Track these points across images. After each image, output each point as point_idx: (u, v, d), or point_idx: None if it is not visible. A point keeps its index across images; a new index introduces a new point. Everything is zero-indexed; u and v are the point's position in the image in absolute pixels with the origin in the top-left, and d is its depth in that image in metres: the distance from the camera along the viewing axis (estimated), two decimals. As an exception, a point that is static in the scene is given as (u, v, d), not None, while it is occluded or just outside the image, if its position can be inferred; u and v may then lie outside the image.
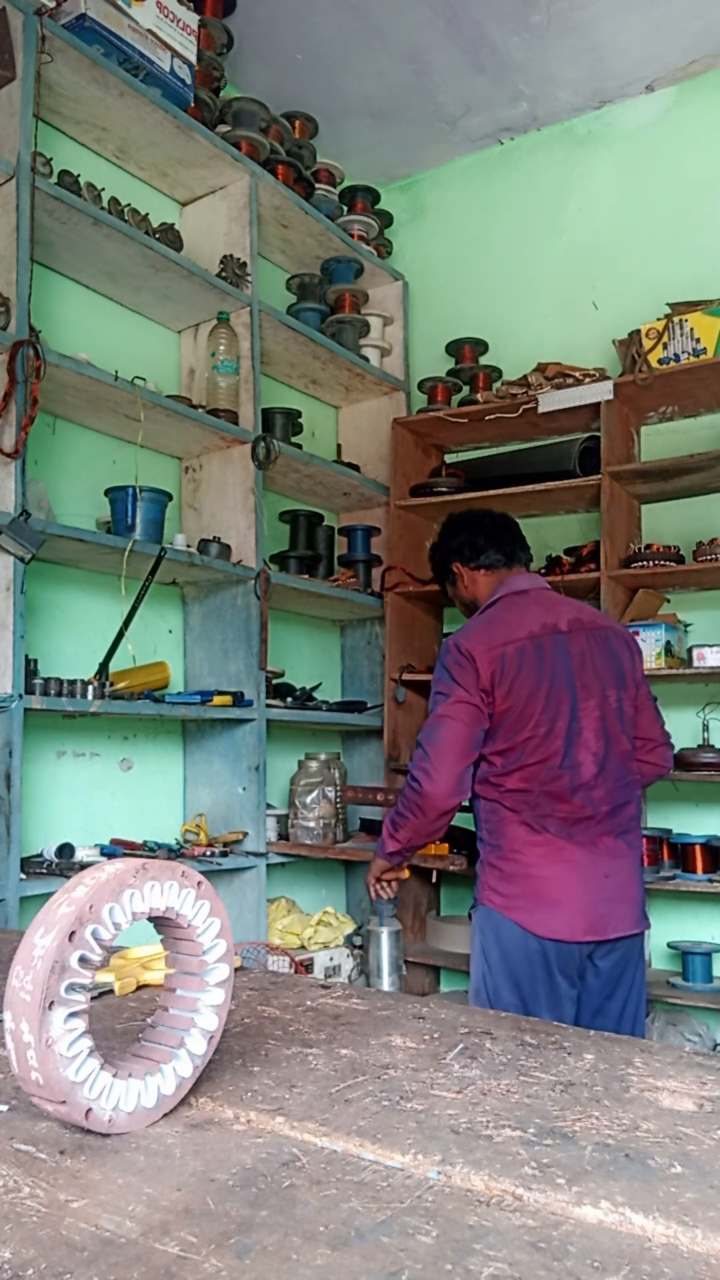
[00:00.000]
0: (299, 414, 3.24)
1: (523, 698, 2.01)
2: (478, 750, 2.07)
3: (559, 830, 2.01)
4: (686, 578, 2.90)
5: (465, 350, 3.57)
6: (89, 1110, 0.65)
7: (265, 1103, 0.72)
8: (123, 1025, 0.93)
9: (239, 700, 2.76)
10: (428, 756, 2.05)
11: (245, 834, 2.79)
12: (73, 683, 2.33)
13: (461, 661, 2.05)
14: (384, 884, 2.39)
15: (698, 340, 2.89)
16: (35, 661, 2.37)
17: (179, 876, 0.71)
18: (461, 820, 3.27)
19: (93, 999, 1.01)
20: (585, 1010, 2.04)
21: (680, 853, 2.83)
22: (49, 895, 0.94)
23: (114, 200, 2.62)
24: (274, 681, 3.05)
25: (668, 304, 3.00)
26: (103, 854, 2.48)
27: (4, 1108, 0.72)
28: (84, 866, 2.08)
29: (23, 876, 2.20)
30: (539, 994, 1.97)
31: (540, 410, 3.07)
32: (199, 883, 0.73)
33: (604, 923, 1.99)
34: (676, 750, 2.42)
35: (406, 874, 2.42)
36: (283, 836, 3.04)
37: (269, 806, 2.94)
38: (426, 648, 3.49)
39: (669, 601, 3.10)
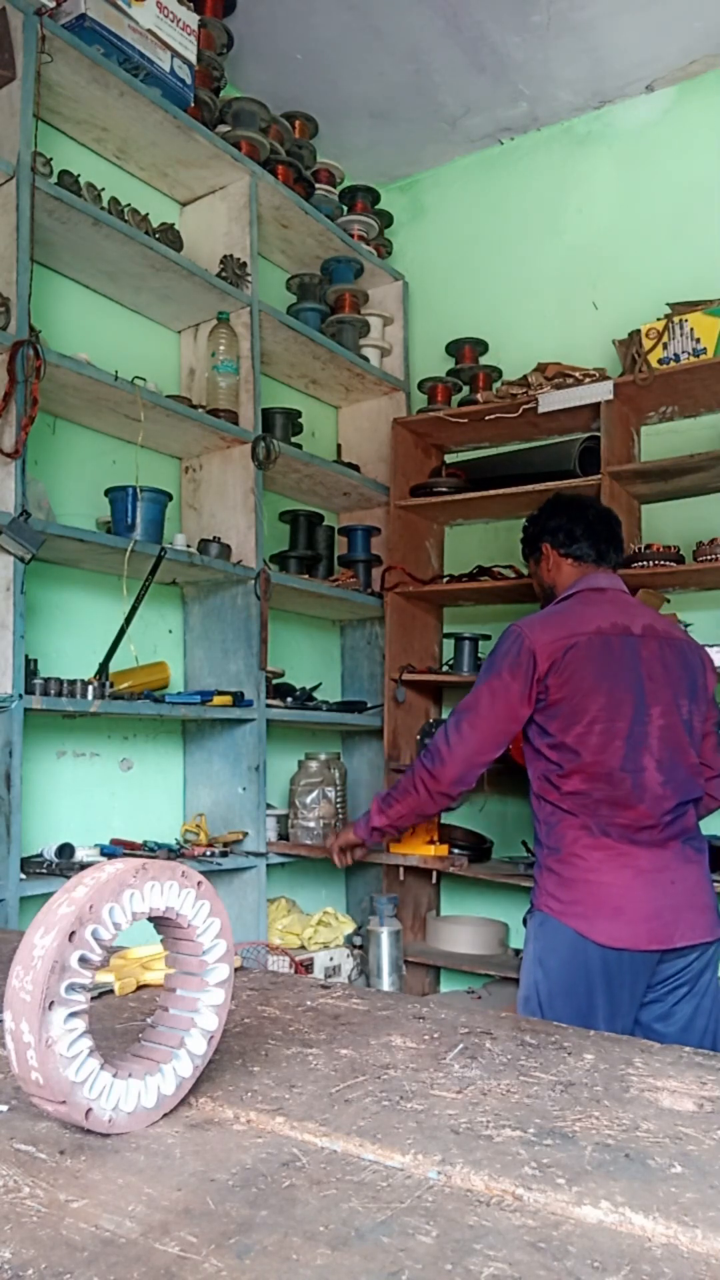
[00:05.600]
0: (299, 414, 3.24)
1: (580, 690, 1.96)
2: (501, 750, 2.05)
3: (621, 836, 1.94)
4: (686, 578, 2.89)
5: (465, 350, 3.57)
6: (89, 1110, 0.65)
7: (265, 1103, 0.72)
8: (123, 1025, 0.93)
9: (239, 700, 2.76)
10: (448, 739, 2.05)
11: (245, 834, 2.79)
12: (73, 683, 2.33)
13: (519, 649, 2.01)
14: (346, 854, 2.40)
15: (698, 340, 2.88)
16: (35, 661, 2.37)
17: (179, 876, 0.71)
18: (465, 819, 3.29)
19: (93, 999, 1.01)
20: (648, 1014, 1.96)
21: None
22: (49, 895, 0.94)
23: (114, 200, 2.62)
24: (274, 681, 3.05)
25: (668, 304, 3.00)
26: (103, 854, 2.47)
27: (4, 1108, 0.72)
28: (84, 866, 2.08)
29: (23, 876, 2.20)
30: (596, 1005, 1.88)
31: (540, 410, 3.07)
32: (199, 883, 0.73)
33: (670, 931, 1.90)
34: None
35: (362, 855, 2.48)
36: (283, 836, 3.03)
37: (269, 806, 2.93)
38: (426, 648, 3.49)
39: (669, 601, 3.10)
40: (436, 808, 2.15)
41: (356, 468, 3.46)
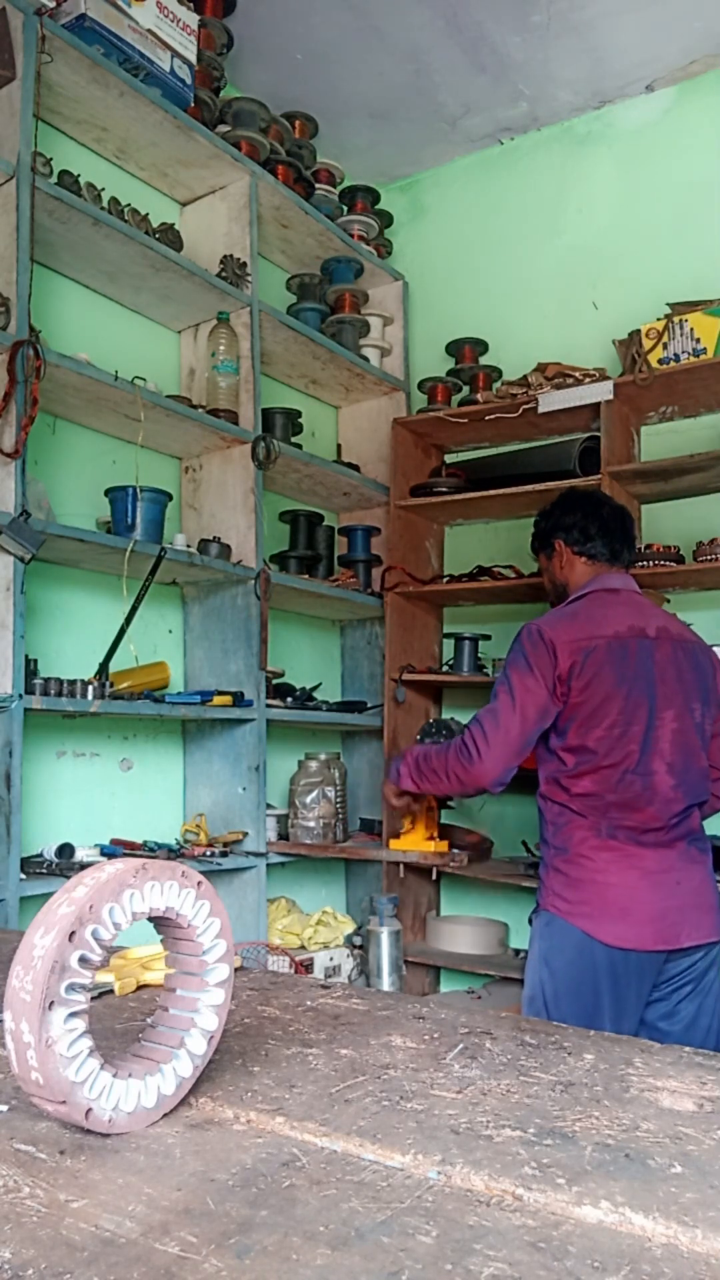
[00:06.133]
0: (299, 414, 3.24)
1: (600, 696, 1.96)
2: (531, 747, 2.04)
3: (628, 838, 1.95)
4: (686, 578, 2.89)
5: (465, 350, 3.57)
6: (89, 1110, 0.65)
7: (265, 1103, 0.72)
8: (123, 1025, 0.93)
9: (239, 700, 2.76)
10: (486, 740, 2.02)
11: (245, 834, 2.79)
12: (73, 683, 2.33)
13: (540, 648, 2.00)
14: (403, 803, 2.41)
15: (698, 340, 2.88)
16: (35, 661, 2.37)
17: (179, 876, 0.71)
18: (464, 819, 3.29)
19: (93, 999, 1.01)
20: (652, 1013, 1.97)
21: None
22: (49, 895, 0.94)
23: (114, 200, 2.62)
24: (274, 681, 3.05)
25: (668, 304, 3.00)
26: (103, 854, 2.47)
27: (4, 1108, 0.72)
28: (84, 866, 2.08)
29: (23, 876, 2.20)
30: (603, 1005, 1.88)
31: (540, 410, 3.07)
32: (199, 883, 0.73)
33: (676, 931, 1.92)
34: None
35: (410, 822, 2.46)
36: (283, 836, 3.03)
37: (269, 806, 2.93)
38: (426, 648, 3.48)
39: (669, 602, 3.10)
40: (467, 797, 2.15)
41: (356, 468, 3.46)
